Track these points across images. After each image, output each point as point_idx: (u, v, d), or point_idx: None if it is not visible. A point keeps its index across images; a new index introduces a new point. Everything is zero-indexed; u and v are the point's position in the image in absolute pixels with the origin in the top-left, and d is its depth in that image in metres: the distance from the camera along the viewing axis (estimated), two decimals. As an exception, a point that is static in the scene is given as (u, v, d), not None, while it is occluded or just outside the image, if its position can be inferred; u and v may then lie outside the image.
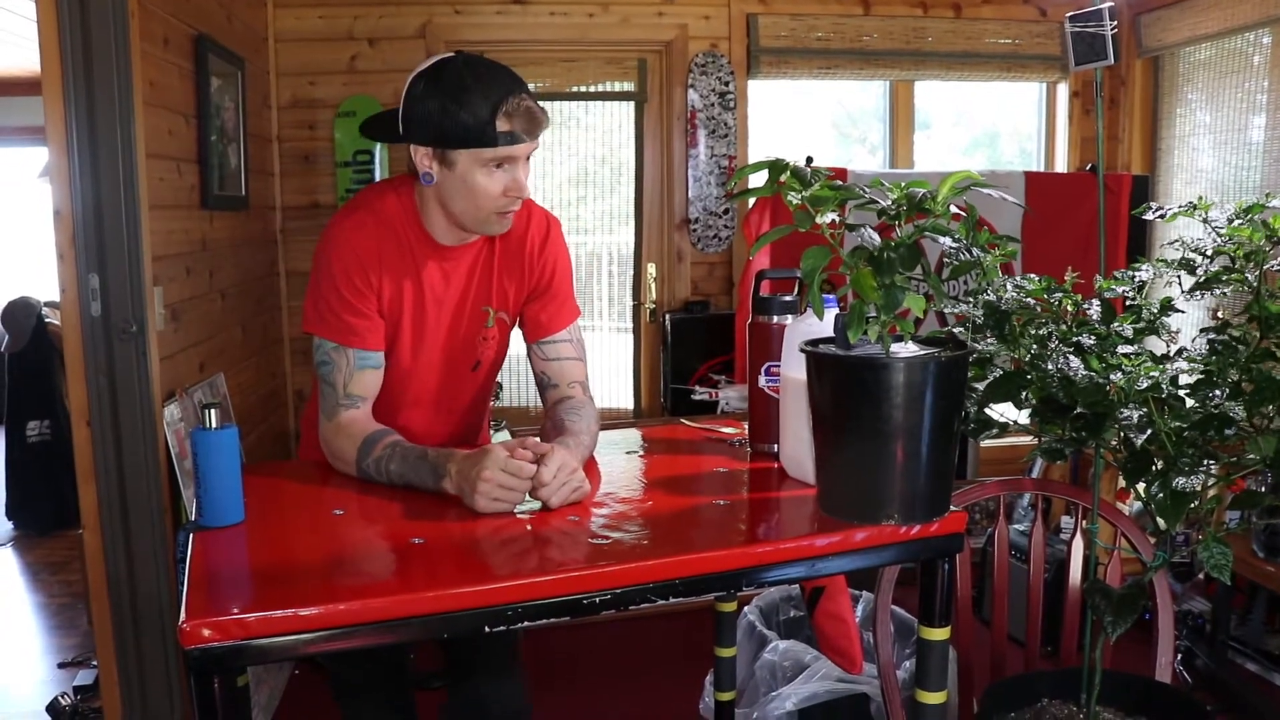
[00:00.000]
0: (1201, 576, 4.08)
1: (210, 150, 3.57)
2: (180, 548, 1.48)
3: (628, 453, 2.04)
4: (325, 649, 1.26)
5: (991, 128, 5.70)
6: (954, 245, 1.54)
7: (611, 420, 4.93)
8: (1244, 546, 3.41)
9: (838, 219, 1.43)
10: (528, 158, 1.96)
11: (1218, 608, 3.76)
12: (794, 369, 1.64)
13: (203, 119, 3.50)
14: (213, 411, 1.54)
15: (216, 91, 3.66)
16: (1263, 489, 2.93)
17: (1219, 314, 4.11)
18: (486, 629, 1.33)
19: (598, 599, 1.36)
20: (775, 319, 1.84)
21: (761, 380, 1.84)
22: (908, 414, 1.43)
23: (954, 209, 1.53)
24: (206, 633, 1.19)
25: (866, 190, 1.43)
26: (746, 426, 2.00)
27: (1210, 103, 4.81)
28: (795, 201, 1.42)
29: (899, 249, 1.37)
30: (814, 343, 1.54)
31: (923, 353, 1.44)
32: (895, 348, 1.45)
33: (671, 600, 1.39)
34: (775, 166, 1.41)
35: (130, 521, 2.80)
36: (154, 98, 2.97)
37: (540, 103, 1.92)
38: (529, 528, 1.55)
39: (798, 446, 1.68)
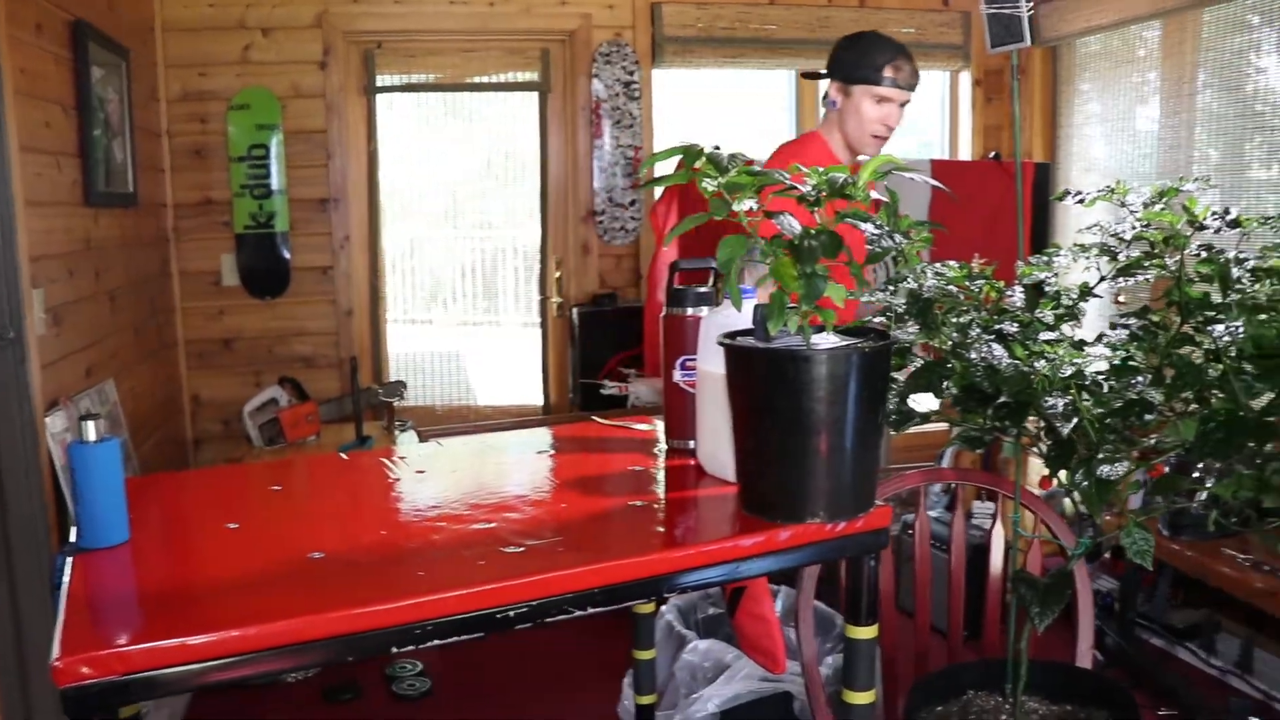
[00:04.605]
0: (1108, 555, 4.13)
1: (93, 144, 3.41)
2: (57, 573, 1.37)
3: (538, 453, 1.96)
4: (218, 679, 1.17)
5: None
6: (875, 232, 1.49)
7: (520, 418, 4.86)
8: (1149, 525, 3.45)
9: (755, 206, 1.37)
10: (902, 105, 2.92)
11: (1125, 586, 3.81)
12: (710, 363, 1.58)
13: (84, 111, 3.33)
14: (91, 423, 1.43)
15: (99, 82, 3.49)
16: (1167, 470, 2.96)
17: (1120, 299, 4.16)
18: (394, 649, 1.24)
19: (512, 613, 1.28)
20: (690, 311, 1.77)
21: (677, 375, 1.78)
22: (831, 407, 1.37)
23: (874, 195, 1.48)
24: (84, 670, 1.09)
25: (786, 176, 1.37)
26: (660, 422, 1.93)
27: (1103, 93, 4.89)
28: (711, 188, 1.36)
29: (820, 236, 1.31)
30: (732, 335, 1.49)
31: (845, 344, 1.39)
32: (816, 339, 1.40)
33: (590, 611, 1.32)
34: (689, 153, 1.34)
35: (11, 544, 2.63)
36: (26, 87, 2.80)
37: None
38: (436, 537, 1.47)
39: (715, 442, 1.62)
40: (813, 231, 1.31)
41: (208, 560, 1.44)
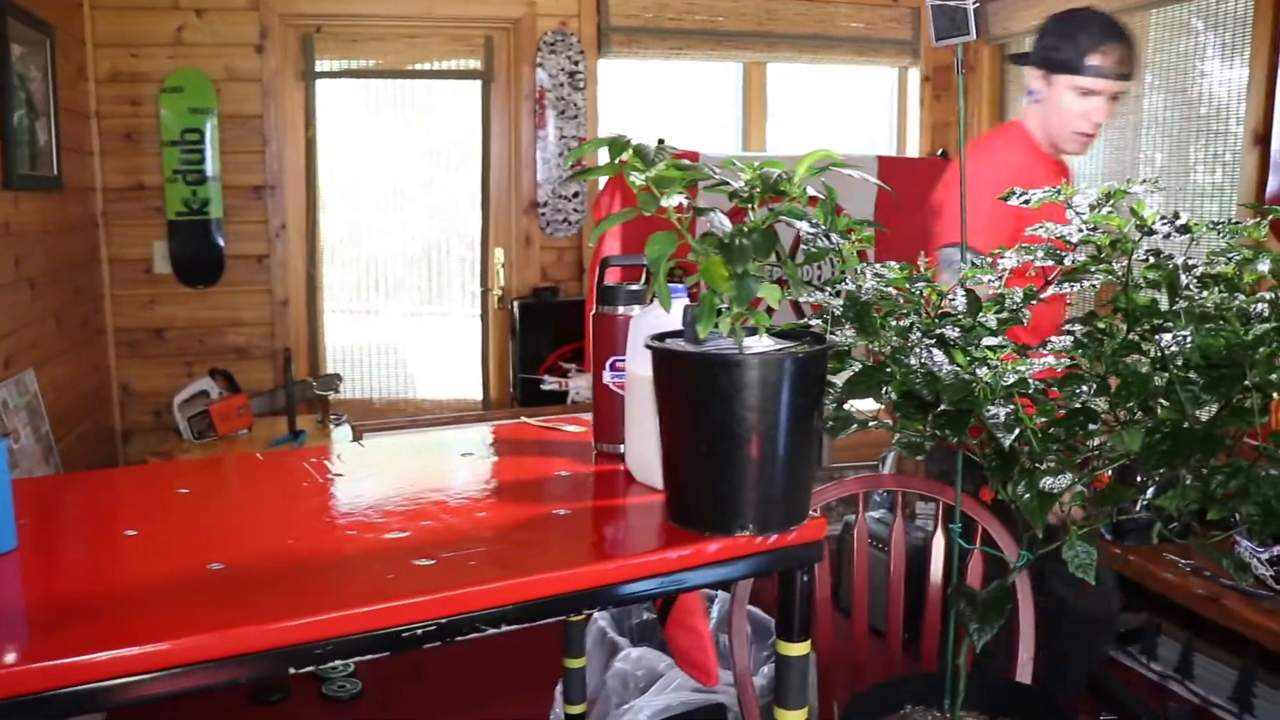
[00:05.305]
0: (1051, 558, 4.12)
1: (13, 125, 3.27)
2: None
3: (463, 455, 1.87)
4: (97, 704, 1.08)
5: (844, 116, 5.68)
6: (811, 231, 1.43)
7: (459, 413, 4.76)
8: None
9: (685, 202, 1.30)
10: (1113, 98, 2.52)
11: (1067, 590, 3.80)
12: (639, 364, 1.51)
13: (3, 90, 3.20)
14: (-29, 423, 1.33)
15: (19, 60, 3.36)
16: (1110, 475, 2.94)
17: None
18: (291, 670, 1.16)
19: (419, 631, 1.20)
20: (620, 310, 1.70)
21: (606, 375, 1.70)
22: (762, 415, 1.30)
23: (811, 191, 1.41)
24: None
25: (717, 171, 1.30)
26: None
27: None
28: (638, 183, 1.28)
29: (753, 234, 1.24)
30: (661, 337, 1.41)
31: (779, 348, 1.32)
32: (748, 342, 1.33)
33: (504, 629, 1.25)
34: (616, 144, 1.27)
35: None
36: (-63, 65, 2.67)
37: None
38: (345, 547, 1.38)
39: (644, 448, 1.55)
40: (744, 229, 1.24)
41: (101, 570, 1.35)
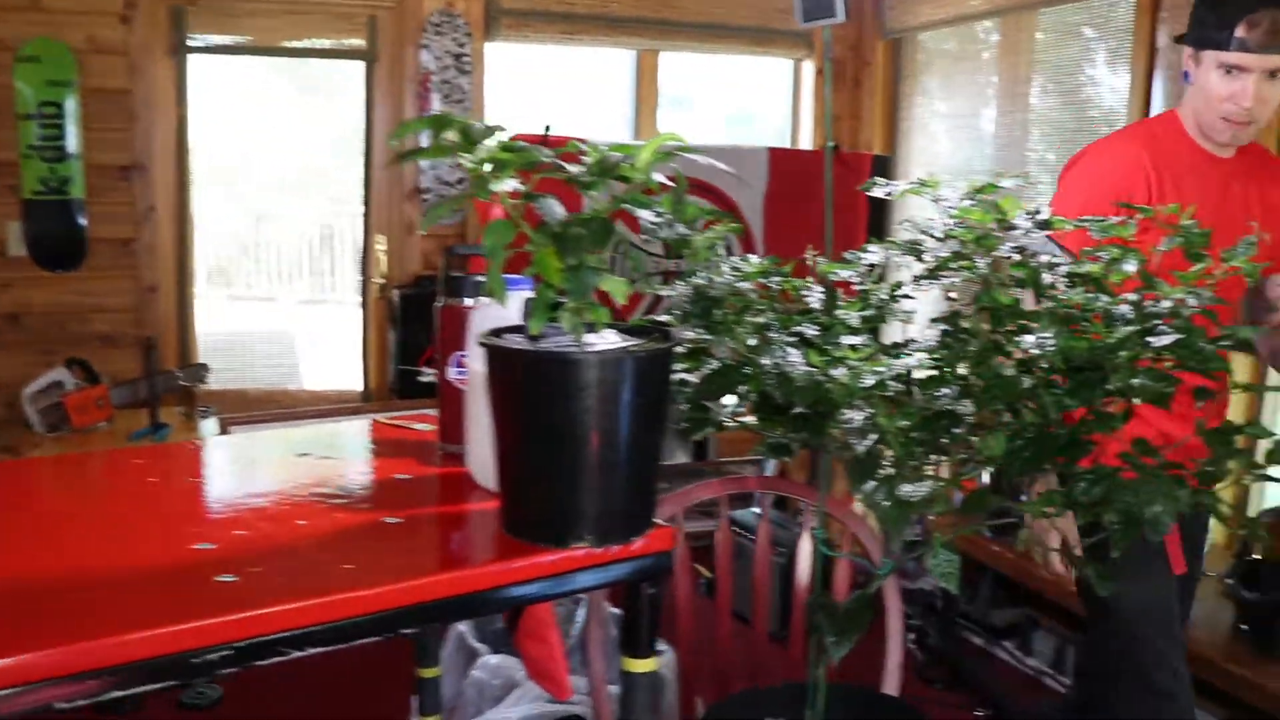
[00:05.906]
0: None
1: None
2: None
3: (299, 455, 1.74)
4: None
5: (748, 108, 5.63)
6: (655, 221, 1.33)
7: (336, 405, 4.60)
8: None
9: (518, 186, 1.19)
10: (1271, 75, 2.12)
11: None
12: (479, 360, 1.40)
13: None
14: None
15: None
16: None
17: (951, 294, 4.15)
18: (58, 706, 1.03)
19: (213, 656, 1.08)
20: (467, 301, 1.59)
21: (450, 372, 1.60)
22: (601, 417, 1.21)
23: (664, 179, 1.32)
24: None
25: (548, 155, 1.19)
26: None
27: (948, 90, 4.87)
28: (468, 165, 1.18)
29: (588, 224, 1.14)
30: (499, 332, 1.31)
31: (618, 346, 1.22)
32: (589, 339, 1.23)
33: (309, 651, 1.13)
34: (439, 122, 1.16)
35: None
36: None
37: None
38: (141, 562, 1.25)
39: (485, 450, 1.44)
40: (580, 217, 1.15)
41: None
